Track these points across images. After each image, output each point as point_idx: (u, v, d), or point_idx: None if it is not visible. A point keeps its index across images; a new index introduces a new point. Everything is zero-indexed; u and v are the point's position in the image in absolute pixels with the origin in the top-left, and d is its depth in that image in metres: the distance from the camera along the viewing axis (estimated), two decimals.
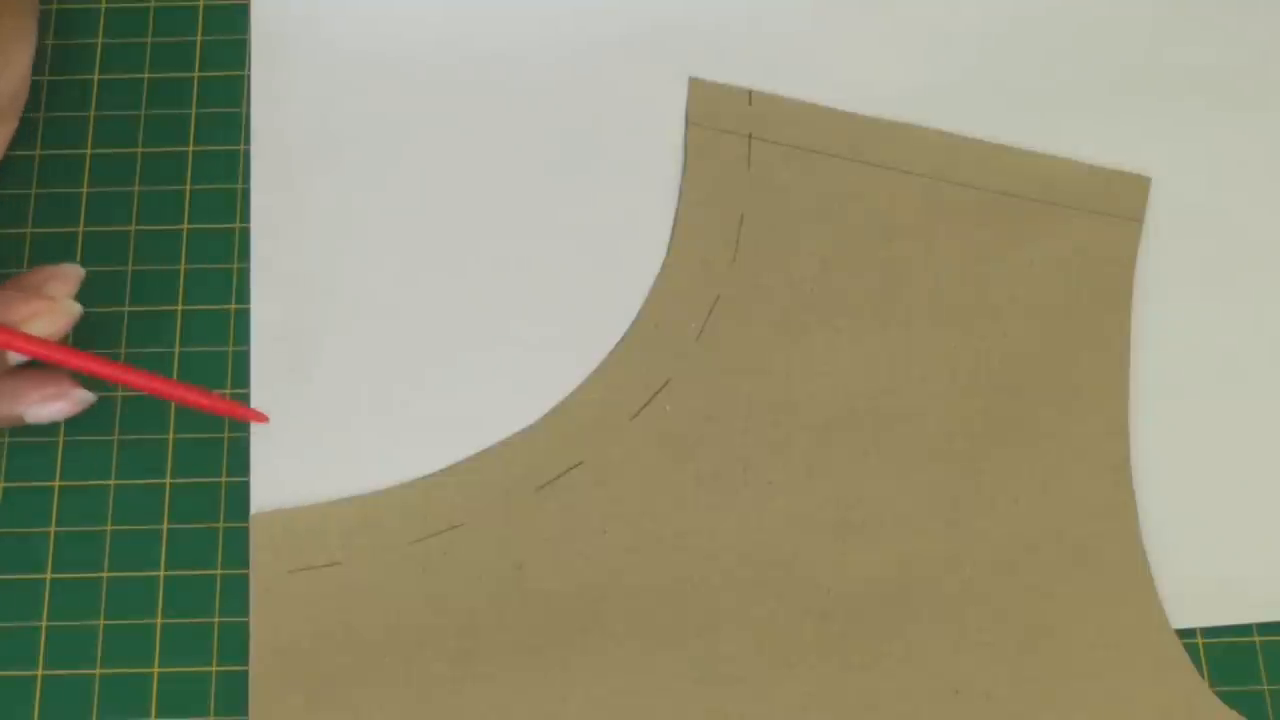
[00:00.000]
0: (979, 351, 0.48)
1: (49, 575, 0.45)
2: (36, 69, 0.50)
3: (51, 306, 0.44)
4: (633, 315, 0.48)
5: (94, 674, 0.44)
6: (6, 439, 0.47)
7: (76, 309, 0.44)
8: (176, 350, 0.48)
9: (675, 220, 0.49)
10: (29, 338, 0.43)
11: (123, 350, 0.47)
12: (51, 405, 0.45)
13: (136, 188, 0.50)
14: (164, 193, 0.50)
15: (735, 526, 0.46)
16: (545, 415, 0.47)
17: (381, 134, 0.50)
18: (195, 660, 0.44)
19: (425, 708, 0.43)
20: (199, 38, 0.52)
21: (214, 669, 0.44)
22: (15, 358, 0.43)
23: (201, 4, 0.52)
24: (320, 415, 0.47)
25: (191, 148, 0.50)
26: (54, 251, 0.49)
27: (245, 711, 0.43)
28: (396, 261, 0.49)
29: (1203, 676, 0.44)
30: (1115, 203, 0.50)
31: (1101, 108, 0.51)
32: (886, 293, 0.48)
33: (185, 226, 0.49)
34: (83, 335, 0.48)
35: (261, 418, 0.46)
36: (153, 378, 0.44)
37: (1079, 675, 0.44)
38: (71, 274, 0.45)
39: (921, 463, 0.46)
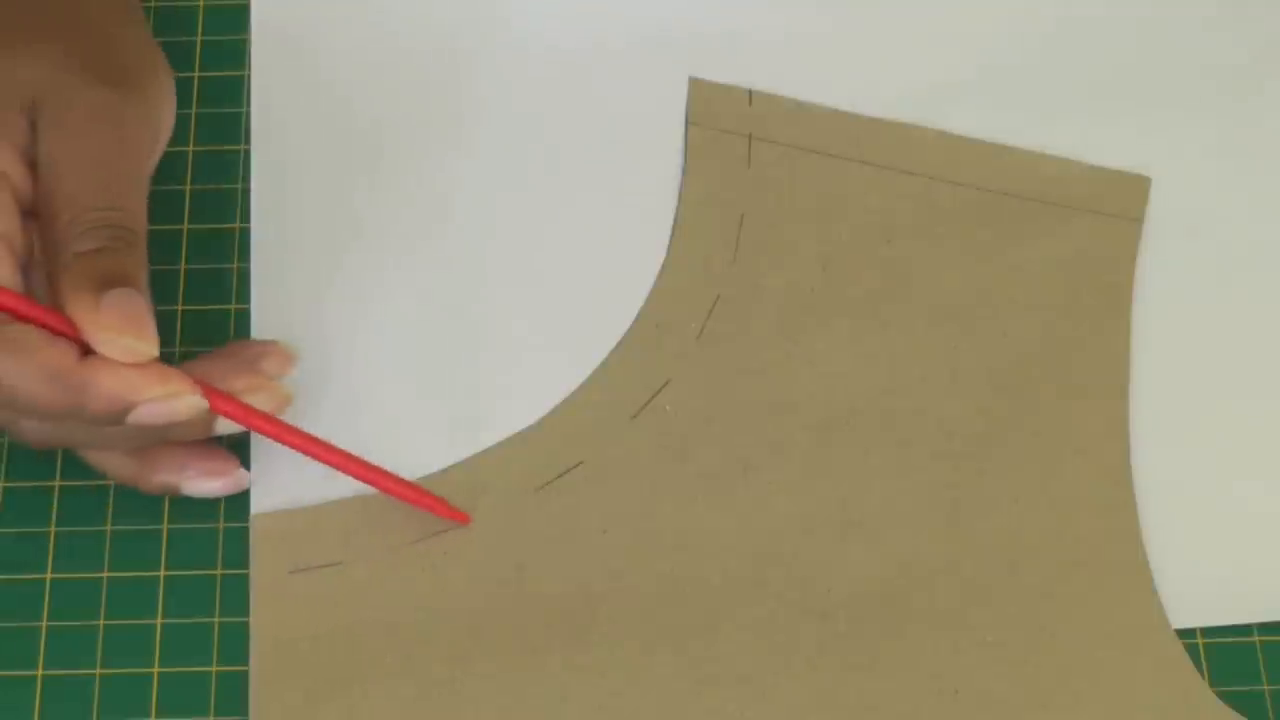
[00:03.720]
0: (979, 351, 0.48)
1: (49, 575, 0.45)
2: None
3: (269, 385, 0.43)
4: (633, 315, 0.48)
5: (94, 674, 0.44)
6: (6, 440, 0.47)
7: (290, 393, 0.44)
8: (177, 350, 0.48)
9: (675, 220, 0.49)
10: (257, 412, 0.43)
11: None
12: (212, 481, 0.45)
13: None
14: (164, 193, 0.49)
15: (735, 526, 0.46)
16: (545, 415, 0.47)
17: (381, 134, 0.50)
18: (195, 660, 0.44)
19: (425, 708, 0.43)
20: (199, 38, 0.52)
21: (214, 669, 0.44)
22: (225, 427, 0.43)
23: (201, 4, 0.52)
24: (320, 415, 0.47)
25: (191, 148, 0.50)
26: None
27: (245, 711, 0.43)
28: (396, 261, 0.49)
29: (1203, 676, 0.44)
30: (1115, 203, 0.50)
31: (1101, 108, 0.51)
32: (886, 293, 0.48)
33: (185, 226, 0.49)
34: None
35: (464, 518, 0.45)
36: (373, 469, 0.44)
37: (1079, 675, 0.44)
38: (288, 354, 0.45)
39: (921, 463, 0.46)
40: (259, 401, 0.43)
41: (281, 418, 0.44)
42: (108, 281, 0.40)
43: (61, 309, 0.41)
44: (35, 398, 0.40)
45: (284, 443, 0.43)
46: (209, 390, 0.42)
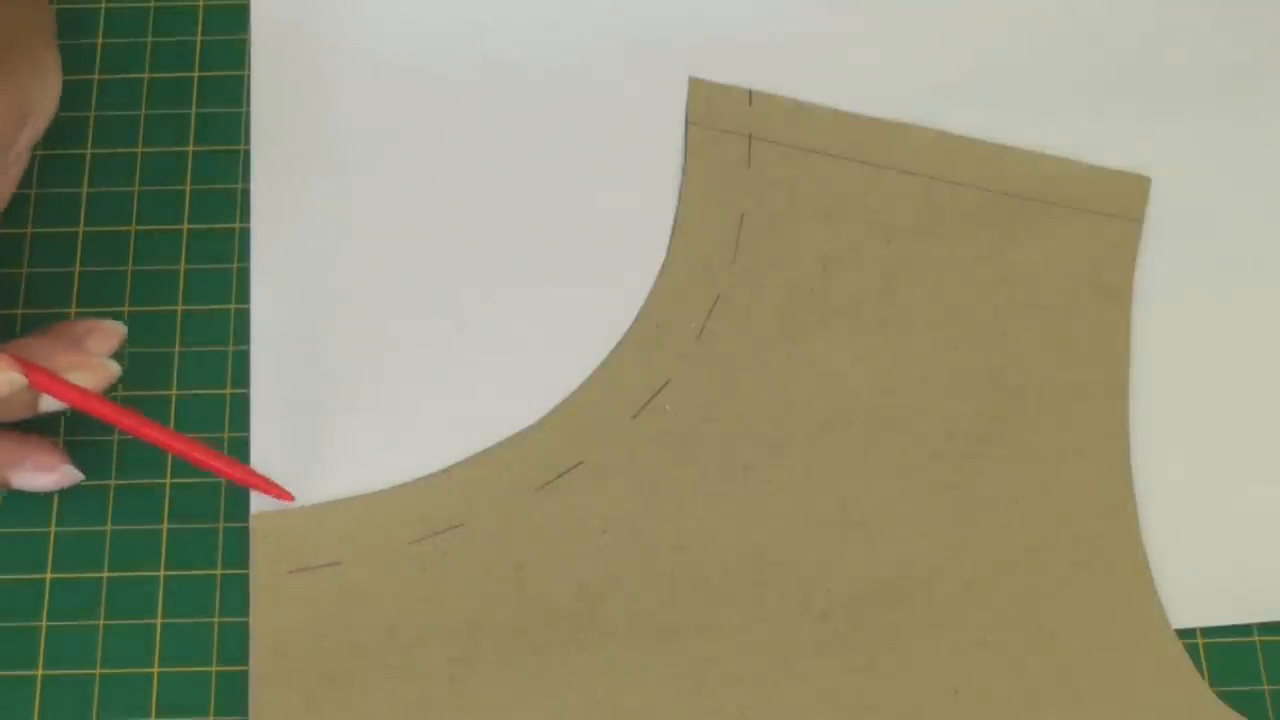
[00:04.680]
0: (979, 351, 0.48)
1: (49, 575, 0.45)
2: None
3: (91, 363, 0.44)
4: (633, 315, 0.48)
5: (94, 674, 0.44)
6: None
7: (115, 370, 0.44)
8: (177, 350, 0.48)
9: (675, 220, 0.49)
10: (75, 387, 0.42)
11: (123, 351, 0.47)
12: (42, 476, 0.45)
13: (136, 188, 0.50)
14: (164, 193, 0.50)
15: (735, 526, 0.46)
16: (545, 415, 0.47)
17: (381, 134, 0.50)
18: (195, 660, 0.44)
19: (425, 708, 0.43)
20: (199, 38, 0.52)
21: (214, 669, 0.44)
22: (49, 405, 0.43)
23: (201, 4, 0.52)
24: (320, 415, 0.47)
25: (191, 148, 0.50)
26: (55, 251, 0.49)
27: (245, 711, 0.43)
28: (396, 261, 0.49)
29: (1203, 676, 0.44)
30: (1115, 203, 0.50)
31: (1101, 108, 0.51)
32: (886, 293, 0.48)
33: (185, 226, 0.49)
34: None
35: (287, 496, 0.45)
36: (191, 444, 0.44)
37: (1079, 675, 0.44)
38: (113, 330, 0.45)
39: (921, 463, 0.46)
40: (82, 379, 0.43)
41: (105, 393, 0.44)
42: None
43: None
44: None
45: (105, 419, 0.43)
46: (29, 367, 0.42)
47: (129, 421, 0.43)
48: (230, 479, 0.44)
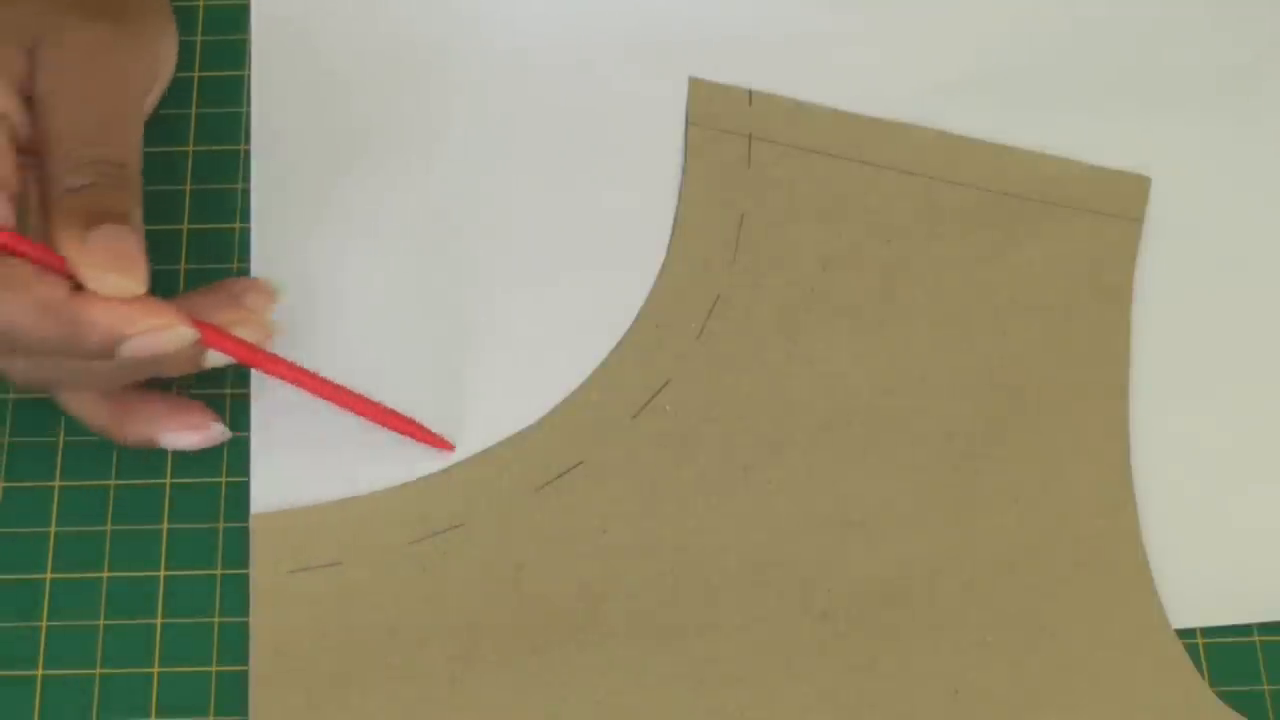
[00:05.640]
0: (979, 351, 0.48)
1: (49, 575, 0.45)
2: None
3: (252, 319, 0.44)
4: (633, 315, 0.48)
5: (94, 674, 0.44)
6: (6, 439, 0.47)
7: (273, 327, 0.45)
8: None
9: (675, 220, 0.49)
10: (243, 342, 0.43)
11: None
12: (190, 435, 0.45)
13: None
14: (164, 192, 0.49)
15: (735, 527, 0.46)
16: (545, 415, 0.47)
17: (381, 134, 0.50)
18: (195, 660, 0.44)
19: (425, 708, 0.43)
20: (199, 38, 0.52)
21: (214, 669, 0.44)
22: (216, 359, 0.44)
23: (201, 4, 0.52)
24: (320, 415, 0.47)
25: (191, 148, 0.50)
26: None
27: (245, 711, 0.43)
28: (396, 261, 0.49)
29: (1203, 676, 0.44)
30: (1115, 203, 0.50)
31: (1101, 108, 0.51)
32: (886, 293, 0.48)
33: (185, 226, 0.49)
34: None
35: (448, 446, 0.46)
36: (356, 398, 0.44)
37: (1079, 675, 0.44)
38: (269, 290, 0.45)
39: (921, 463, 0.46)
40: (246, 334, 0.44)
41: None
42: (96, 217, 0.41)
43: (52, 245, 0.41)
44: (30, 331, 0.40)
45: (269, 372, 0.44)
46: (198, 322, 0.42)
47: (300, 376, 0.44)
48: (398, 431, 0.45)
